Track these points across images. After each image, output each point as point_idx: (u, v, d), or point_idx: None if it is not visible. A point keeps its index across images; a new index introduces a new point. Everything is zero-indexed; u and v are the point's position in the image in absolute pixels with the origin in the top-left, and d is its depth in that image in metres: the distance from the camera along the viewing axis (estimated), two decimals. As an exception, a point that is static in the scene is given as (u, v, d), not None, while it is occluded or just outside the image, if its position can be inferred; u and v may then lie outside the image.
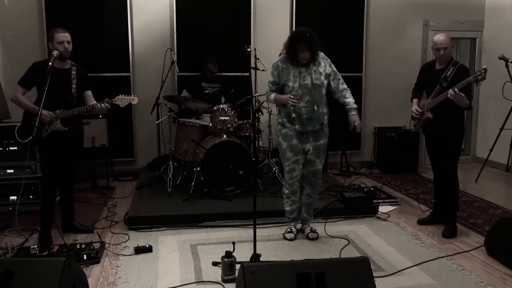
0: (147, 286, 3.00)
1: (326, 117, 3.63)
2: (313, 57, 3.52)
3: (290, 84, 3.53)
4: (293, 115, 3.49)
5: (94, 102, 3.76)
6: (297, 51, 3.45)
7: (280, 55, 5.25)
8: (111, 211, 4.50)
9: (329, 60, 3.62)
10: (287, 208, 3.83)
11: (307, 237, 3.79)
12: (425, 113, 3.91)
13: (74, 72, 3.67)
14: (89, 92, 3.82)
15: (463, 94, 3.58)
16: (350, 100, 3.60)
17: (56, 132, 3.60)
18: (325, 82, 3.56)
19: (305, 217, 3.88)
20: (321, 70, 3.55)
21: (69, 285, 2.35)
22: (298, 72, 3.52)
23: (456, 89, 3.57)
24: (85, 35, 5.54)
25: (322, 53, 3.60)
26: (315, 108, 3.52)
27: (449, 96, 3.61)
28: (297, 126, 3.55)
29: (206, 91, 5.43)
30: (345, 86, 3.63)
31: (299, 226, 3.91)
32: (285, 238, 3.78)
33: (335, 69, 3.63)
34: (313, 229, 3.86)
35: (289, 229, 3.84)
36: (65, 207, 3.91)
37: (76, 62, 3.76)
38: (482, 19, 6.65)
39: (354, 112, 3.59)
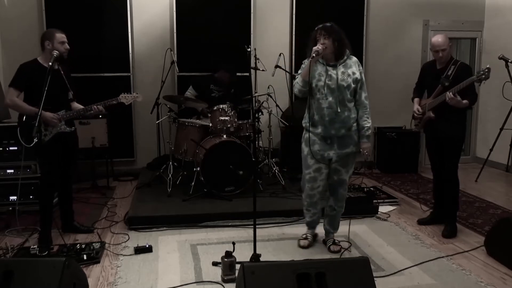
0: (147, 286, 3.00)
1: (353, 122, 3.34)
2: (339, 51, 3.26)
3: (314, 81, 3.28)
4: (338, 110, 3.25)
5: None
6: (317, 40, 3.24)
7: (280, 55, 5.29)
8: (111, 211, 4.50)
9: (361, 68, 3.35)
10: (308, 219, 3.65)
11: (329, 250, 3.56)
12: (427, 113, 3.91)
13: (62, 72, 3.66)
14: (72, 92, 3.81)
15: (459, 98, 3.61)
16: (366, 125, 3.36)
17: (60, 133, 3.60)
18: (353, 86, 3.28)
19: (327, 228, 3.65)
20: (349, 72, 3.27)
21: (69, 285, 2.35)
22: (324, 71, 3.27)
23: (451, 93, 3.59)
24: (85, 35, 5.54)
25: (355, 58, 3.36)
26: (338, 110, 3.24)
27: (446, 100, 3.62)
28: (319, 130, 3.31)
29: (213, 94, 5.39)
30: (366, 102, 3.36)
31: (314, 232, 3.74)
32: (299, 245, 3.62)
33: (364, 80, 3.35)
34: (336, 241, 3.61)
35: (304, 235, 3.67)
36: (64, 208, 3.90)
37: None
38: (482, 19, 6.65)
39: (365, 140, 3.38)
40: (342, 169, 3.43)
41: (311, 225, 3.68)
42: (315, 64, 3.28)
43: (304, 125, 3.45)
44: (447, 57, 3.81)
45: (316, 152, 3.35)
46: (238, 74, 5.56)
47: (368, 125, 3.38)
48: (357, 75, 3.29)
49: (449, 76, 3.75)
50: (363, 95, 3.35)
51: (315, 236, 3.74)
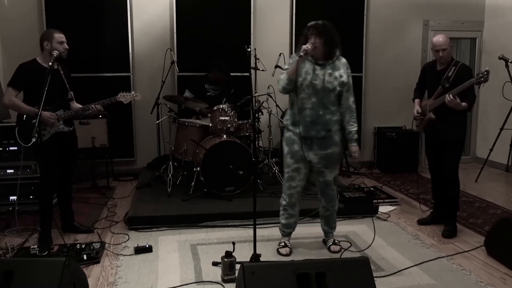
0: (147, 286, 3.00)
1: (335, 124, 3.28)
2: (329, 53, 3.20)
3: (300, 79, 3.19)
4: (320, 112, 3.19)
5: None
6: (308, 38, 3.18)
7: (280, 55, 5.29)
8: (111, 211, 4.50)
9: (349, 71, 3.28)
10: (283, 221, 3.52)
11: (329, 250, 3.55)
12: (428, 114, 3.91)
13: (62, 72, 3.67)
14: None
15: (458, 101, 3.61)
16: (353, 129, 3.32)
17: (59, 133, 3.60)
18: (338, 89, 3.22)
19: (325, 229, 3.63)
20: (337, 74, 3.21)
21: (69, 285, 2.35)
22: (312, 69, 3.20)
23: (451, 95, 3.60)
24: (85, 35, 5.55)
25: (345, 60, 3.29)
26: (320, 113, 3.21)
27: (446, 102, 3.63)
28: (300, 130, 3.25)
29: (209, 93, 5.40)
30: (353, 107, 3.30)
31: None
32: (279, 253, 3.48)
33: (351, 83, 3.28)
34: (336, 241, 3.60)
35: (283, 243, 3.53)
36: (63, 208, 3.90)
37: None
38: (482, 19, 6.66)
39: (354, 144, 3.36)
40: (326, 170, 3.37)
41: (287, 229, 3.54)
42: (303, 62, 3.21)
43: (285, 123, 3.40)
44: (448, 58, 3.81)
45: (296, 151, 3.30)
46: (238, 74, 5.56)
47: (355, 129, 3.33)
48: (344, 78, 3.23)
49: (450, 77, 3.75)
50: (351, 99, 3.29)
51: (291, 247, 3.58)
